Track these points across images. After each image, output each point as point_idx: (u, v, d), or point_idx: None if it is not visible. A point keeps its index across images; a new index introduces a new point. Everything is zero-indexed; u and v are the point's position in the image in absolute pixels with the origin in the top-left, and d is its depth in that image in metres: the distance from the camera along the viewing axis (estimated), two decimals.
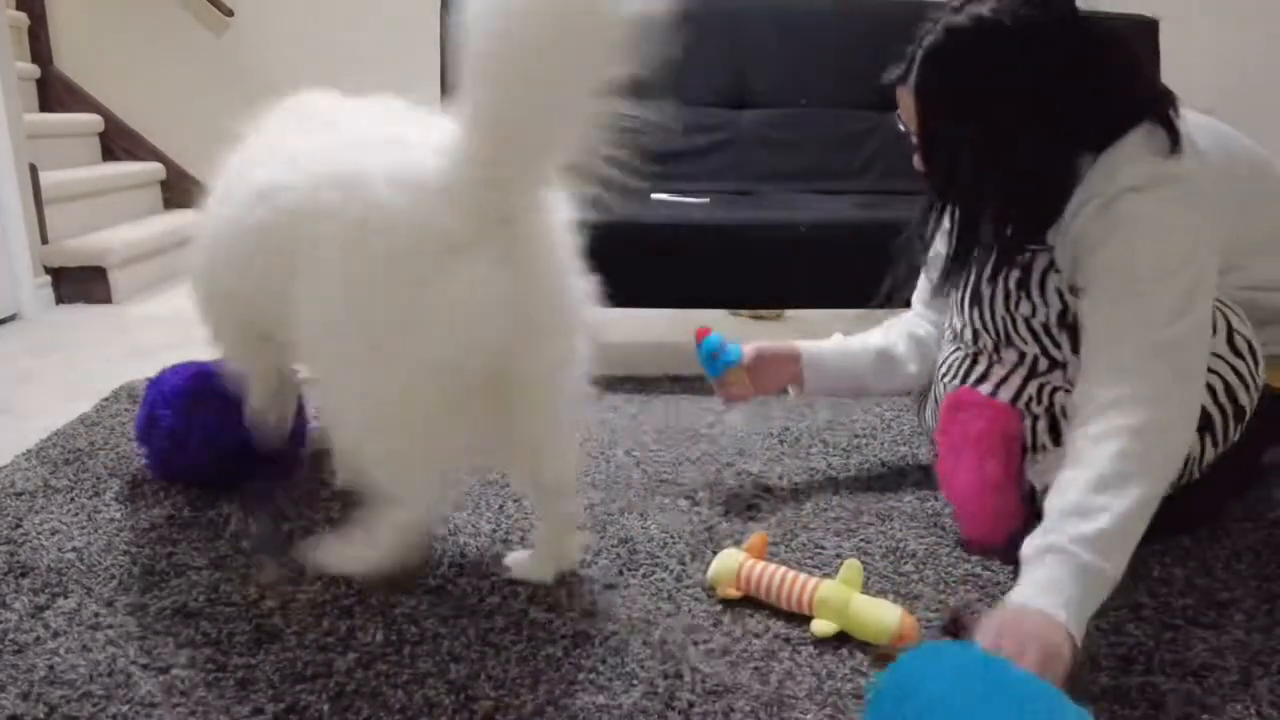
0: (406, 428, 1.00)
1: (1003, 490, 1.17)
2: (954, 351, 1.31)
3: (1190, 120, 1.12)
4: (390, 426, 1.01)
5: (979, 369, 1.25)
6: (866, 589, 1.08)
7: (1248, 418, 1.15)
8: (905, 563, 1.18)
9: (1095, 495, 0.93)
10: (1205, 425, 1.11)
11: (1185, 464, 1.10)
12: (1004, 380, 1.21)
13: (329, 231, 0.96)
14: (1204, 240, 1.06)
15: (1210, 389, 1.10)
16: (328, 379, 1.06)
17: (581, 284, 1.09)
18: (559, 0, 0.85)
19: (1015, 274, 1.18)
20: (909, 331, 1.46)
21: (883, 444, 1.60)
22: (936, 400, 1.34)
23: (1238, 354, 1.12)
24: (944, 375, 1.32)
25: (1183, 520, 1.24)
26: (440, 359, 0.95)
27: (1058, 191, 1.12)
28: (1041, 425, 1.16)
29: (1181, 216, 1.06)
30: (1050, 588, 0.89)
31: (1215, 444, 1.15)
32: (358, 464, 1.03)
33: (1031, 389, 1.18)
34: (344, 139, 1.04)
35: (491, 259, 0.94)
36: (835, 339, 1.47)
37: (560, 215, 1.04)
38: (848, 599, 1.01)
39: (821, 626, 1.00)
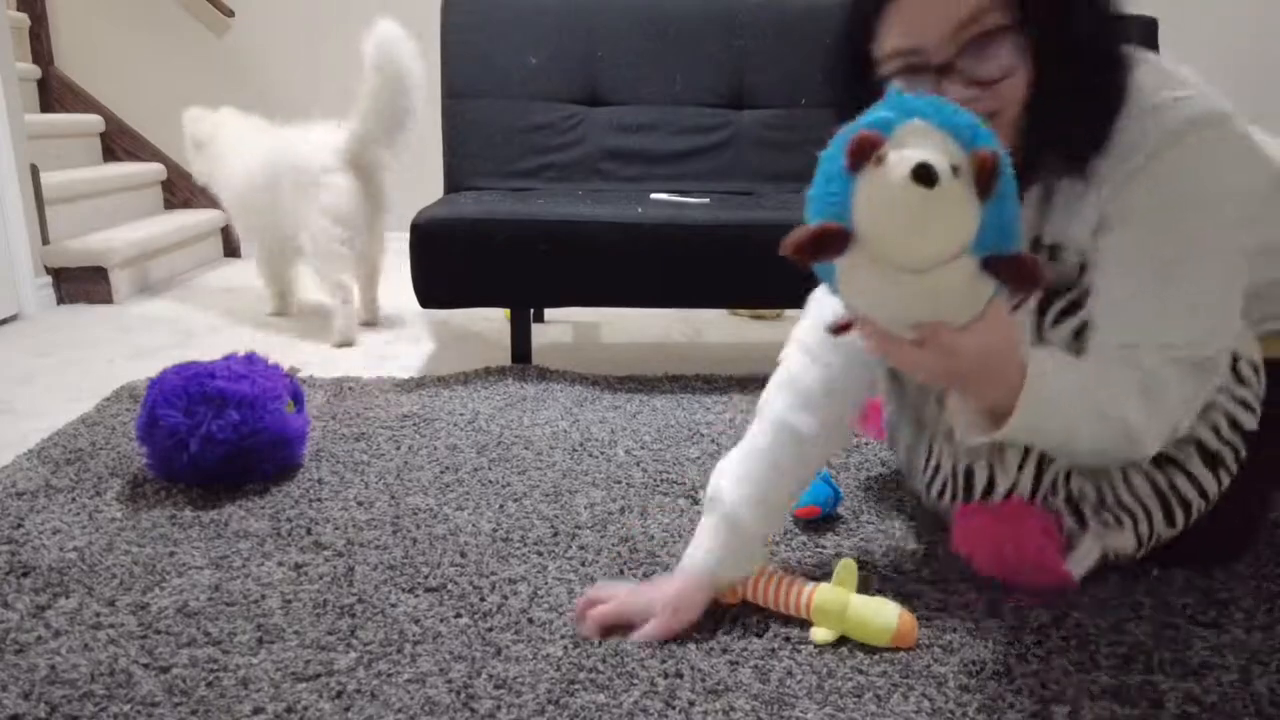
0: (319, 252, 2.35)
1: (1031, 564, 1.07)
2: (936, 459, 1.14)
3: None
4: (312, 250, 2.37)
5: (979, 481, 1.09)
6: (868, 589, 1.08)
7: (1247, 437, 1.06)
8: (905, 562, 1.18)
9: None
10: (1214, 461, 1.04)
11: (1192, 505, 1.06)
12: (1014, 486, 1.07)
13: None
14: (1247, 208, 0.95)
15: (1214, 426, 1.03)
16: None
17: (387, 195, 2.45)
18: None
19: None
20: (802, 399, 1.10)
21: (883, 444, 1.60)
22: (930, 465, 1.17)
23: (1242, 381, 1.03)
24: (938, 491, 1.15)
25: (1209, 553, 1.17)
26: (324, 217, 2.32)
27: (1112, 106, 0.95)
28: (1068, 520, 1.07)
29: (1234, 167, 0.94)
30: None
31: (1227, 476, 1.06)
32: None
33: (1047, 479, 1.06)
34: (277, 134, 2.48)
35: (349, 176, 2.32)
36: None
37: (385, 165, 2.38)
38: (845, 604, 1.01)
39: (821, 635, 1.00)
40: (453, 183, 2.40)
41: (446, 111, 2.42)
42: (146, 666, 0.96)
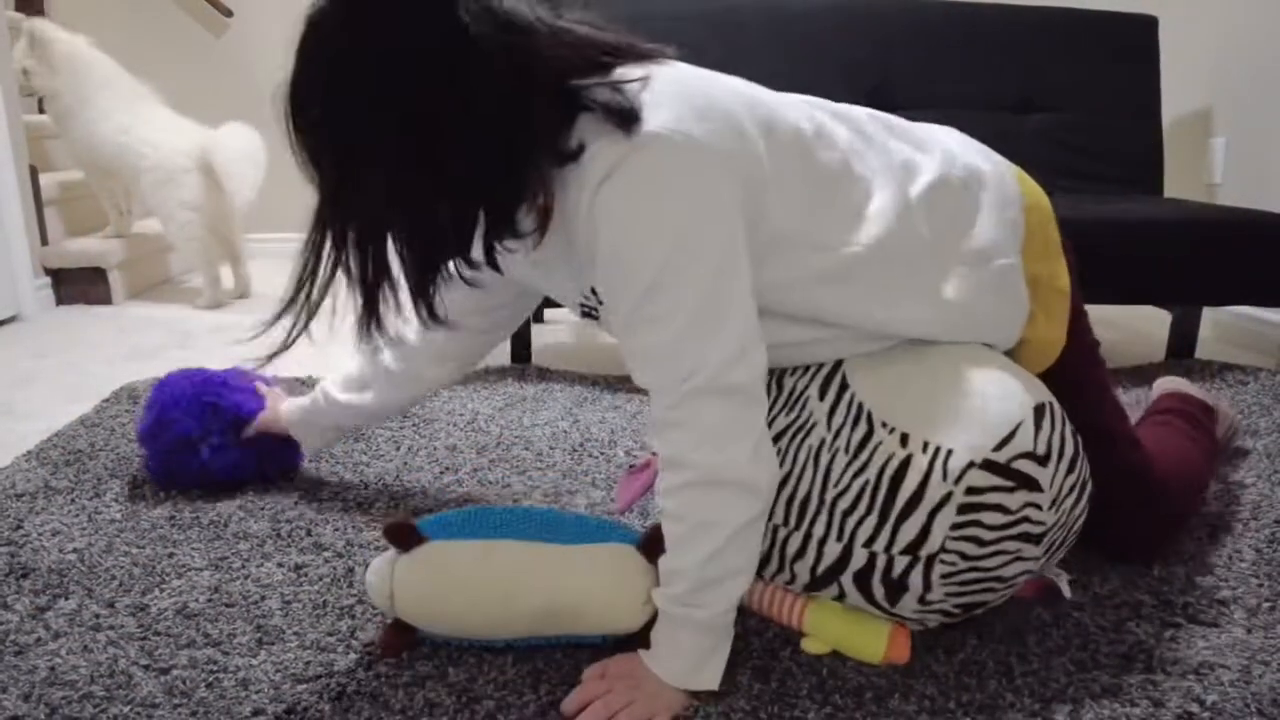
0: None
1: None
2: None
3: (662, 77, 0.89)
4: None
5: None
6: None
7: None
8: None
9: (673, 560, 0.90)
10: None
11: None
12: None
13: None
14: (715, 216, 0.85)
15: None
16: None
17: None
18: None
19: None
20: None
21: None
22: None
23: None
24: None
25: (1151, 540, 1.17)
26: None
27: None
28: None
29: (670, 193, 0.84)
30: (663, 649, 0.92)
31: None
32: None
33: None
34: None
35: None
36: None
37: None
38: (835, 622, 0.99)
39: (814, 645, 0.99)
40: None
41: None
42: (146, 668, 0.96)
